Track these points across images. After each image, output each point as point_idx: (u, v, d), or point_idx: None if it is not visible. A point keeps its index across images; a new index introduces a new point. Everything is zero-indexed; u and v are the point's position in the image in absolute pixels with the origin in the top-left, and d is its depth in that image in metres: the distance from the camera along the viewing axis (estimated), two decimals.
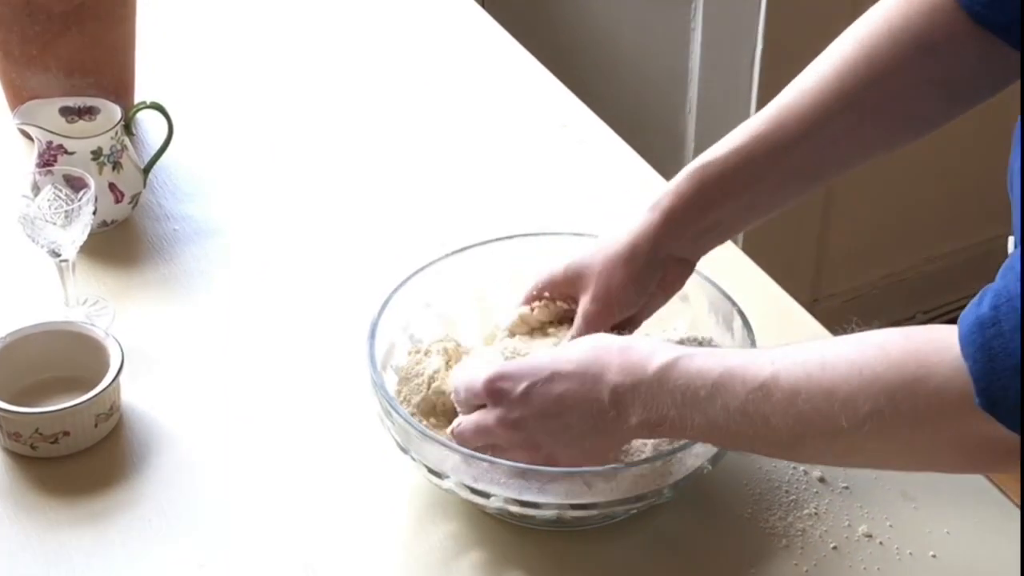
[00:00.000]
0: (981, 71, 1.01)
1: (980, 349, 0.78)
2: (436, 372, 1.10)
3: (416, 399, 1.10)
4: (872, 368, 0.83)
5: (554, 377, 0.97)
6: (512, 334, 1.12)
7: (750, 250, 1.38)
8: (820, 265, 2.41)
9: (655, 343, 0.97)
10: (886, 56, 1.01)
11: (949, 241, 2.51)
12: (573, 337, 1.08)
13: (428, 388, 1.10)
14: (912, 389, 0.82)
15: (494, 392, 0.99)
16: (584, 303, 1.09)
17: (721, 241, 1.11)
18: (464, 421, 1.02)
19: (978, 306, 0.80)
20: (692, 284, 1.15)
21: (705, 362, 0.92)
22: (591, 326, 1.08)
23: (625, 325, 1.10)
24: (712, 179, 1.05)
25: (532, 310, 1.12)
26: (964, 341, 0.79)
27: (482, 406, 1.01)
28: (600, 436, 0.97)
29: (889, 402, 0.82)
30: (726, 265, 1.27)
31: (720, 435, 0.95)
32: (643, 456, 1.03)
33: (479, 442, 1.01)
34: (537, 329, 1.13)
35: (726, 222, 1.08)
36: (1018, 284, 0.78)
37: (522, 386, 0.97)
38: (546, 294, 1.12)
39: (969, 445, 0.82)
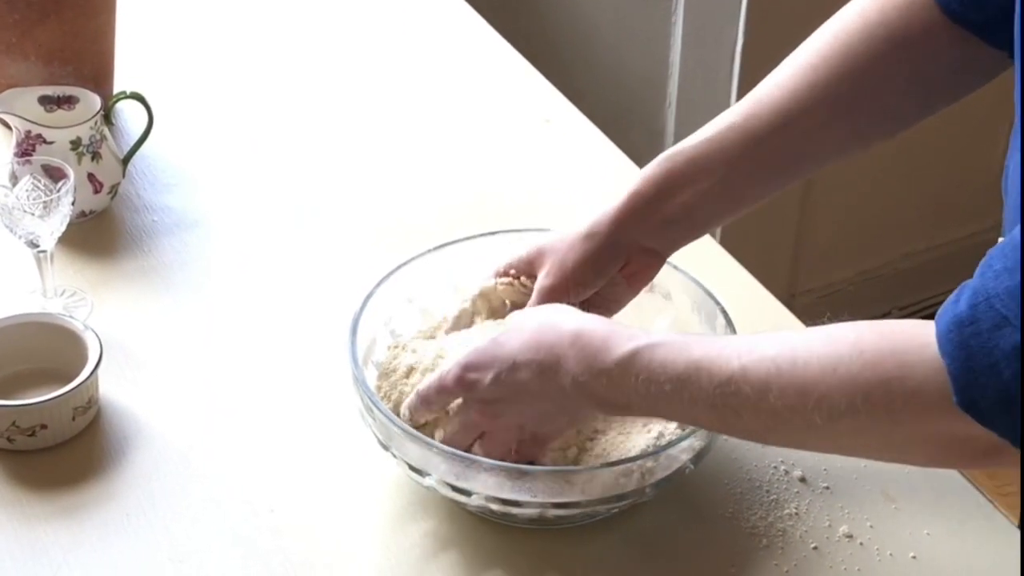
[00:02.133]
0: (957, 68, 1.00)
1: (958, 348, 0.78)
2: (413, 367, 1.10)
3: (395, 395, 1.09)
4: (847, 367, 0.83)
5: (516, 366, 0.97)
6: (473, 312, 1.11)
7: (727, 246, 1.38)
8: (796, 261, 2.42)
9: (607, 326, 0.95)
10: (861, 51, 1.01)
11: (925, 238, 2.52)
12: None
13: (407, 380, 1.09)
14: (889, 388, 0.81)
15: (466, 385, 0.99)
16: (540, 277, 1.08)
17: (691, 235, 1.09)
18: (450, 427, 1.02)
19: (955, 304, 0.79)
20: (675, 282, 1.16)
21: (667, 354, 0.91)
22: (547, 301, 1.07)
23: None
24: (680, 165, 1.05)
25: (496, 286, 1.11)
26: (942, 340, 0.79)
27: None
28: (571, 416, 1.01)
29: (865, 402, 0.82)
30: (705, 260, 1.27)
31: (690, 422, 0.97)
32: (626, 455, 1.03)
33: (470, 438, 1.01)
34: (499, 310, 1.11)
35: (695, 212, 1.06)
36: (996, 282, 0.77)
37: (490, 376, 0.98)
38: (512, 272, 1.11)
39: (946, 442, 0.82)
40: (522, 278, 1.11)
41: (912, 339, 0.81)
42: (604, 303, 1.10)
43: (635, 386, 0.92)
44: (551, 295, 1.07)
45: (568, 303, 1.06)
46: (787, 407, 0.85)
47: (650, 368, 0.91)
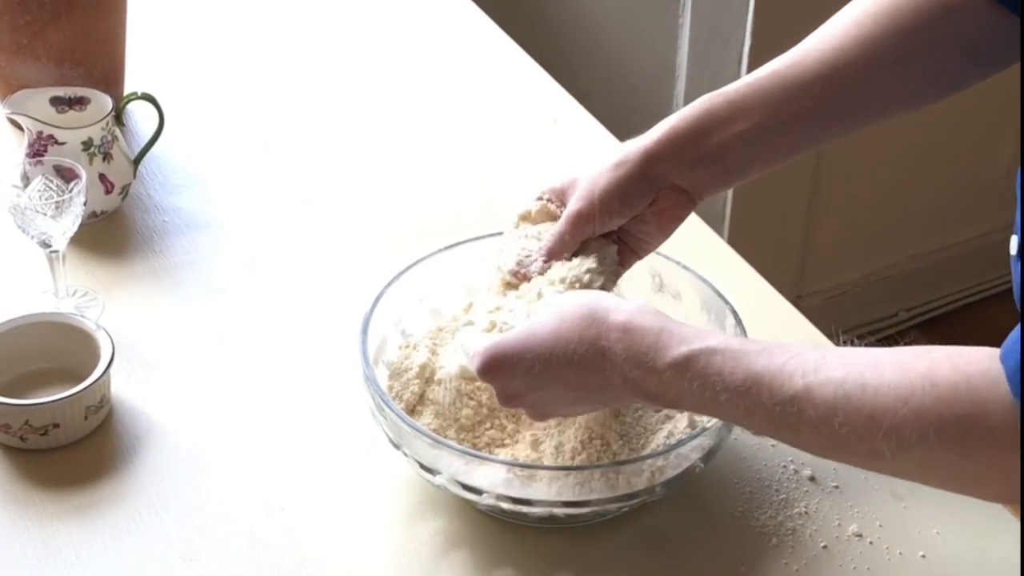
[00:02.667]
0: (996, 39, 1.00)
1: None
2: (424, 366, 1.11)
3: (406, 395, 1.10)
4: (920, 400, 0.81)
5: (552, 362, 0.94)
6: (521, 222, 1.10)
7: (734, 247, 1.38)
8: (804, 262, 2.42)
9: (657, 321, 0.93)
10: (907, 12, 1.01)
11: (933, 239, 2.52)
12: (557, 236, 1.06)
13: (421, 380, 1.10)
14: (964, 425, 0.80)
15: (492, 377, 0.97)
16: (569, 203, 1.07)
17: (722, 181, 1.06)
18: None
19: (1021, 342, 0.78)
20: (684, 282, 1.16)
21: (724, 363, 0.89)
22: (574, 226, 1.05)
23: (621, 254, 1.08)
24: (719, 106, 1.04)
25: (531, 210, 1.10)
26: (1012, 381, 0.78)
27: None
28: (607, 403, 1.00)
29: (938, 437, 0.81)
30: (713, 259, 1.28)
31: (742, 426, 0.95)
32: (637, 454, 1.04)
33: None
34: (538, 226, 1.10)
35: (728, 154, 1.04)
36: None
37: (520, 369, 0.96)
38: (545, 196, 1.10)
39: (1016, 478, 0.80)
40: (555, 203, 1.10)
41: (986, 374, 0.80)
42: (634, 242, 1.09)
43: (687, 389, 0.90)
44: (579, 220, 1.05)
45: (595, 231, 1.05)
46: (853, 433, 0.84)
47: (705, 375, 0.89)
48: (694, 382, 0.90)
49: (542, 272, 1.06)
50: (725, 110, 1.03)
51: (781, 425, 0.87)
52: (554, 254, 1.06)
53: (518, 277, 1.07)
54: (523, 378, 0.96)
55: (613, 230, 1.07)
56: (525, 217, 1.11)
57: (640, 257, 1.10)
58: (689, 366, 0.90)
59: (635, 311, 0.94)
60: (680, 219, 1.08)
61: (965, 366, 0.81)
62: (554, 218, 1.10)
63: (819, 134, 1.06)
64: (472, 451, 1.01)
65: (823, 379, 0.85)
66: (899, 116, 1.06)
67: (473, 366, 0.98)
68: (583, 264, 1.05)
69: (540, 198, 1.11)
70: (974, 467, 0.82)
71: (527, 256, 1.08)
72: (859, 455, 0.86)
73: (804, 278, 2.43)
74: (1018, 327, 0.79)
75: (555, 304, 0.98)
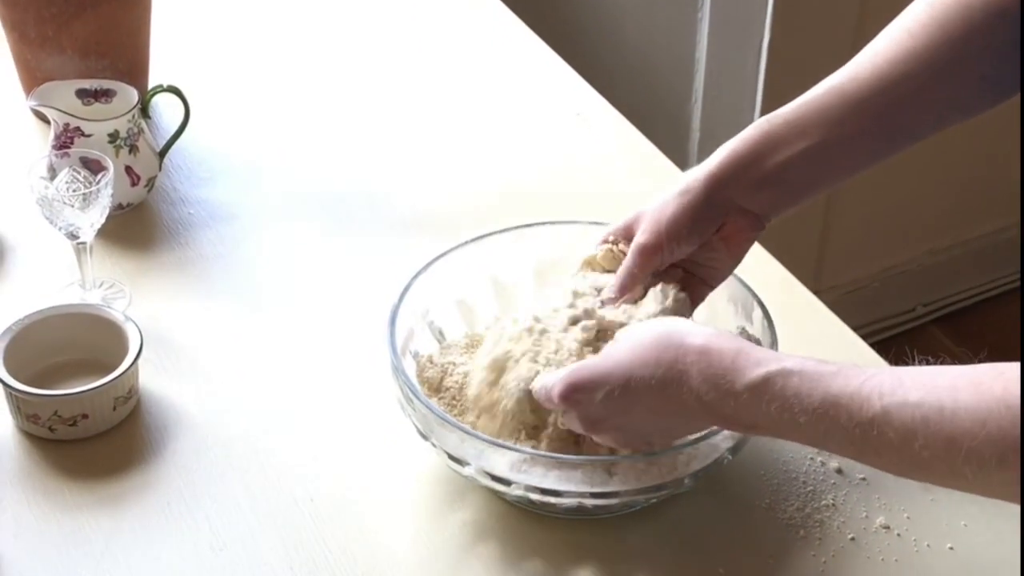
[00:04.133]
0: None
1: None
2: (443, 377, 1.11)
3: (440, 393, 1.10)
4: (997, 423, 0.80)
5: (630, 385, 0.95)
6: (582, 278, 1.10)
7: None
8: (822, 257, 2.41)
9: (735, 344, 0.93)
10: (957, 19, 1.00)
11: (950, 234, 2.52)
12: (626, 270, 1.06)
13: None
14: None
15: (572, 403, 0.98)
16: (636, 236, 1.07)
17: (788, 200, 1.06)
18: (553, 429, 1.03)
19: None
20: None
21: (801, 384, 0.88)
22: (643, 258, 1.06)
23: (693, 286, 1.09)
24: (778, 126, 1.03)
25: (596, 255, 1.10)
26: None
27: None
28: (690, 427, 0.99)
29: (1018, 459, 0.80)
30: None
31: (822, 448, 0.95)
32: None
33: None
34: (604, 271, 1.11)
35: (790, 174, 1.04)
36: None
37: (600, 394, 0.96)
38: (611, 238, 1.10)
39: None
40: (620, 244, 1.09)
41: None
42: (704, 272, 1.09)
43: (765, 411, 0.90)
44: (646, 252, 1.05)
45: (663, 262, 1.06)
46: (934, 456, 0.83)
47: (783, 397, 0.89)
48: (772, 404, 0.89)
49: (615, 305, 1.07)
50: (784, 130, 1.03)
51: (864, 447, 0.87)
52: (625, 289, 1.07)
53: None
54: (604, 403, 0.96)
55: (678, 264, 1.08)
56: (589, 263, 1.11)
57: (713, 287, 1.10)
58: (767, 388, 0.90)
59: (712, 334, 0.95)
60: (750, 242, 1.08)
61: None
62: (618, 263, 1.09)
63: (879, 149, 1.06)
64: (500, 442, 1.01)
65: (900, 401, 0.84)
66: (957, 123, 1.06)
67: (554, 394, 0.98)
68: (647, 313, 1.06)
69: (606, 241, 1.10)
70: None
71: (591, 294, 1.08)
72: (943, 477, 0.85)
73: (822, 274, 2.43)
74: None
75: (629, 332, 1.00)
